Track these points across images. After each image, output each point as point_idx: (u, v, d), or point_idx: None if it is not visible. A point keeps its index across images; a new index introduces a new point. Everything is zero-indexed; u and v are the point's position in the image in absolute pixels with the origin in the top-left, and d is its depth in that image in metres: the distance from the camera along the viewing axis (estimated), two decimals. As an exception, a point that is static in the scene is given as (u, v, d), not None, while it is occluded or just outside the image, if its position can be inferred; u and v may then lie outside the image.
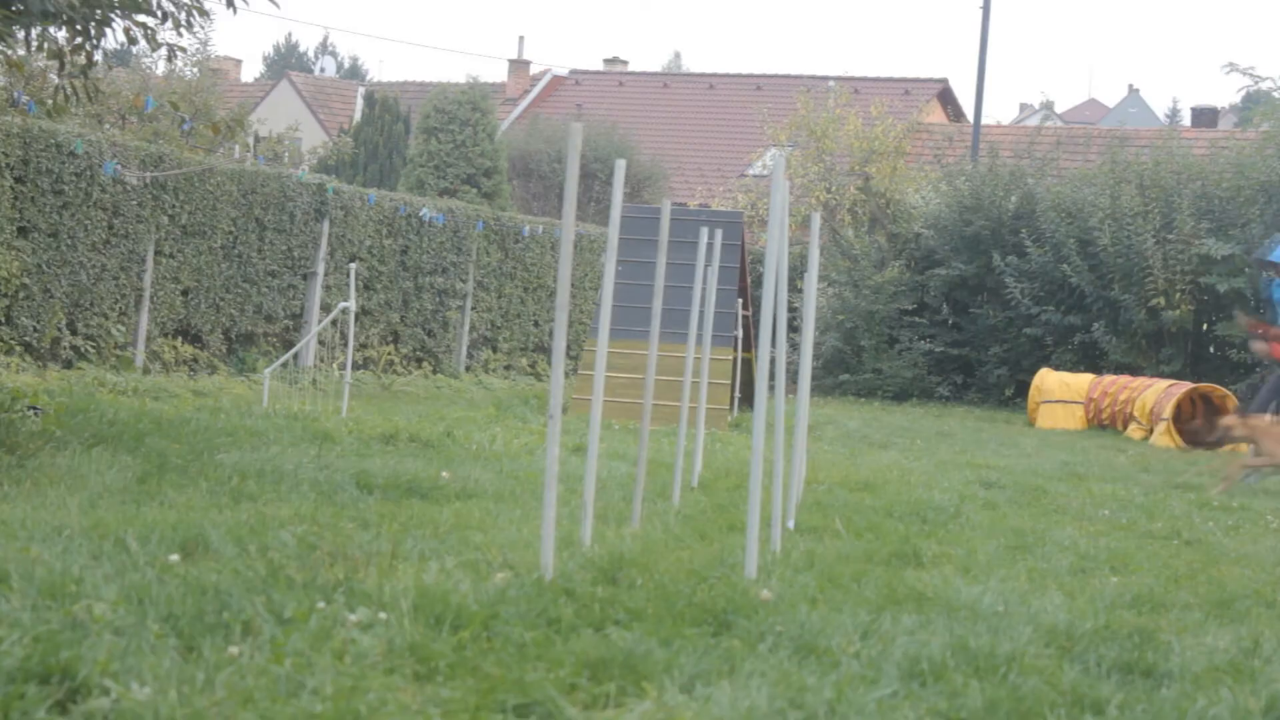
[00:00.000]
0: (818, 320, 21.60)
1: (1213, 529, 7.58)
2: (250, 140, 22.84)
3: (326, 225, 16.46)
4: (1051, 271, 20.68)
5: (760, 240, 23.28)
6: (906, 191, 24.18)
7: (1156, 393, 15.89)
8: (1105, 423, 16.83)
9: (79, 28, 7.59)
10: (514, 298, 19.98)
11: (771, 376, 5.65)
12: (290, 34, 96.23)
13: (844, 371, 22.15)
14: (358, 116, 34.46)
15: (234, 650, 3.60)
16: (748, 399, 14.81)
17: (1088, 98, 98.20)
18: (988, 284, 21.81)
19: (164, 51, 8.67)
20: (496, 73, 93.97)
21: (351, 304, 11.48)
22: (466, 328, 19.16)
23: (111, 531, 4.89)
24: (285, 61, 77.66)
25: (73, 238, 13.34)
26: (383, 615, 3.98)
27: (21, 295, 12.95)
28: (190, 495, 6.06)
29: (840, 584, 5.07)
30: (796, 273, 20.65)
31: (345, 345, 11.74)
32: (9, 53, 8.22)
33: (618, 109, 37.70)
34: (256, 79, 58.07)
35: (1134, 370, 19.50)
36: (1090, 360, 20.27)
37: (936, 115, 38.16)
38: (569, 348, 19.13)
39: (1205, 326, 20.49)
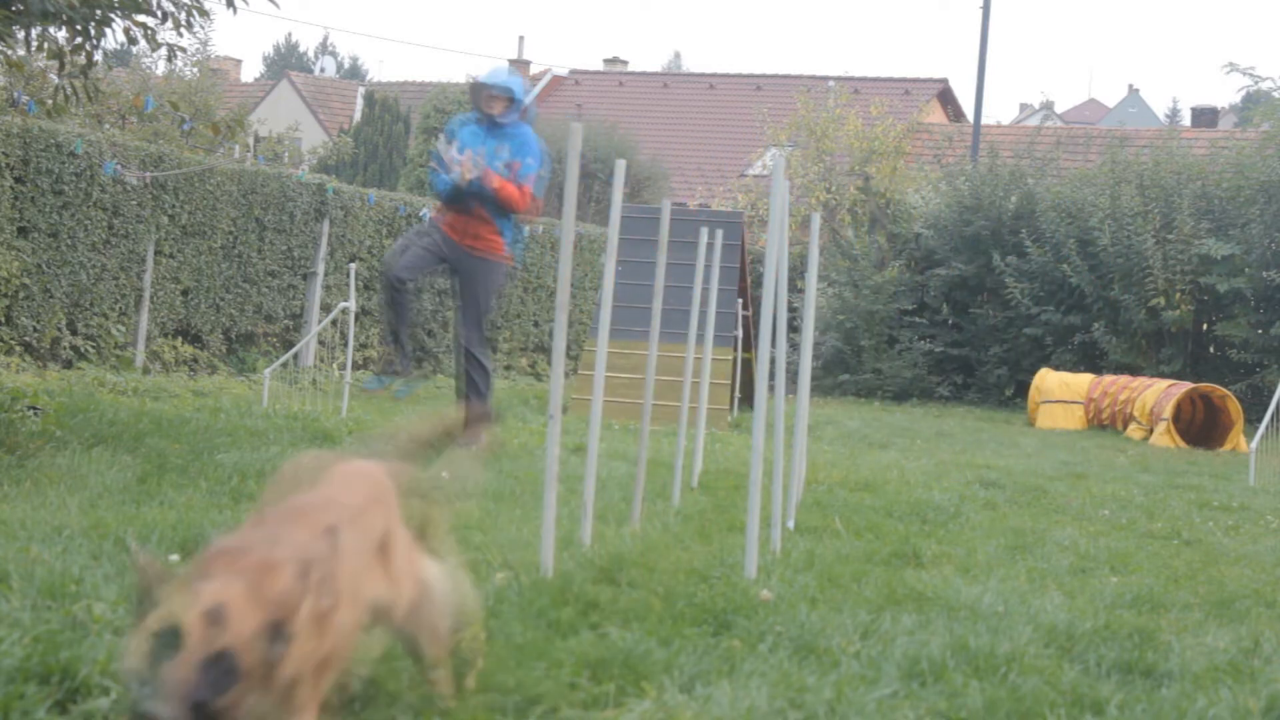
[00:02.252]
0: (818, 320, 21.62)
1: (1213, 529, 7.58)
2: (250, 140, 22.86)
3: (326, 225, 16.46)
4: (1051, 271, 20.70)
5: (760, 240, 23.28)
6: (906, 191, 24.20)
7: (1156, 393, 15.90)
8: (1105, 423, 16.84)
9: (79, 28, 7.59)
10: (514, 298, 19.97)
11: (771, 376, 5.65)
12: (290, 34, 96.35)
13: (844, 371, 22.17)
14: (358, 116, 34.49)
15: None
16: (748, 399, 14.81)
17: (1088, 98, 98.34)
18: (988, 284, 21.83)
19: (164, 51, 8.69)
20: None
21: (351, 304, 11.48)
22: (466, 328, 19.15)
23: (111, 531, 4.89)
24: (285, 61, 77.68)
25: (73, 238, 13.34)
26: (383, 615, 3.98)
27: (21, 295, 12.94)
28: (190, 495, 6.05)
29: (840, 584, 5.07)
30: (796, 273, 20.66)
31: (345, 345, 11.73)
32: (9, 53, 8.22)
33: (618, 109, 37.70)
34: (256, 79, 58.10)
35: (1134, 370, 19.51)
36: (1090, 360, 20.28)
37: (936, 115, 38.17)
38: (569, 348, 19.13)
39: (1205, 326, 20.51)
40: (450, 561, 3.47)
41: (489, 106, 8.96)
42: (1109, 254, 19.93)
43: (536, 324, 20.42)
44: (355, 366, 16.73)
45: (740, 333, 14.66)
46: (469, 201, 8.98)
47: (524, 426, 10.98)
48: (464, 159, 8.87)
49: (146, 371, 14.13)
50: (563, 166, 5.18)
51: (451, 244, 9.13)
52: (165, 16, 7.82)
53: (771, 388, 5.76)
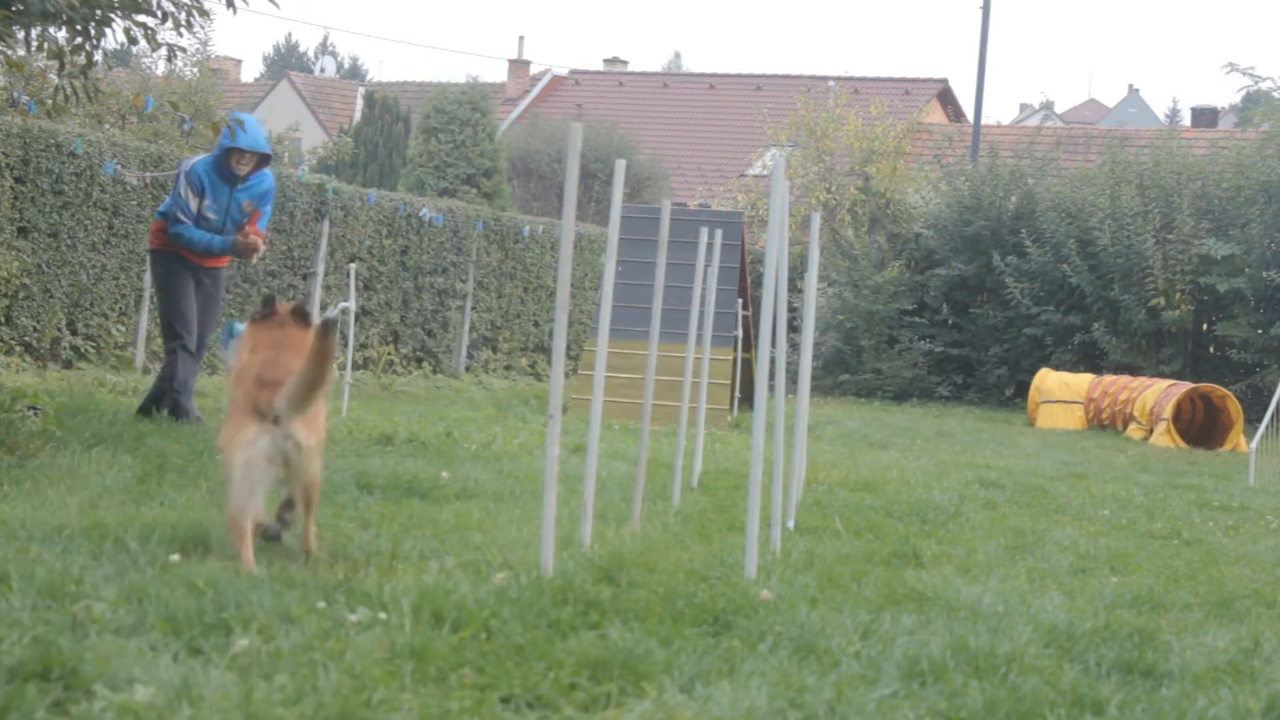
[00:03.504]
0: (818, 320, 21.62)
1: (1212, 529, 7.59)
2: (250, 140, 22.78)
3: (326, 225, 16.47)
4: (1051, 271, 20.70)
5: (760, 240, 23.28)
6: (906, 191, 24.20)
7: (1156, 393, 15.90)
8: (1105, 423, 16.84)
9: (79, 28, 7.58)
10: (514, 298, 19.98)
11: (771, 377, 5.65)
12: (290, 34, 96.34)
13: (844, 371, 22.17)
14: (358, 116, 34.49)
15: (234, 651, 3.60)
16: (748, 399, 14.81)
17: (1088, 98, 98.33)
18: (987, 284, 21.83)
19: (164, 51, 8.66)
20: (496, 73, 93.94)
21: (351, 304, 11.47)
22: (466, 328, 19.16)
23: (111, 532, 4.89)
24: (285, 61, 77.66)
25: (73, 238, 13.34)
26: (383, 616, 3.98)
27: (21, 295, 12.95)
28: (190, 495, 6.05)
29: (840, 584, 5.06)
30: (796, 273, 20.66)
31: (345, 345, 11.73)
32: (9, 53, 8.21)
33: (617, 109, 37.71)
34: (256, 79, 58.07)
35: (1134, 370, 19.52)
36: (1090, 360, 20.29)
37: (936, 115, 38.17)
38: (569, 348, 19.13)
39: (1205, 326, 20.52)
40: None
41: (239, 167, 8.88)
42: (1109, 254, 19.93)
43: (536, 324, 20.43)
44: (355, 367, 16.72)
45: (740, 333, 14.66)
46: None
47: (524, 426, 10.97)
48: (259, 241, 9.16)
49: (146, 371, 14.13)
50: (563, 167, 5.17)
51: (194, 266, 9.24)
52: (165, 16, 7.82)
53: (771, 388, 5.76)
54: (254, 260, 9.43)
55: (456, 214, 18.86)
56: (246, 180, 8.98)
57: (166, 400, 9.07)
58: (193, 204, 8.89)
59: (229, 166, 8.83)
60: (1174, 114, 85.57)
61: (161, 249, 9.13)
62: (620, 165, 5.68)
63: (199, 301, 9.24)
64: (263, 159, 8.97)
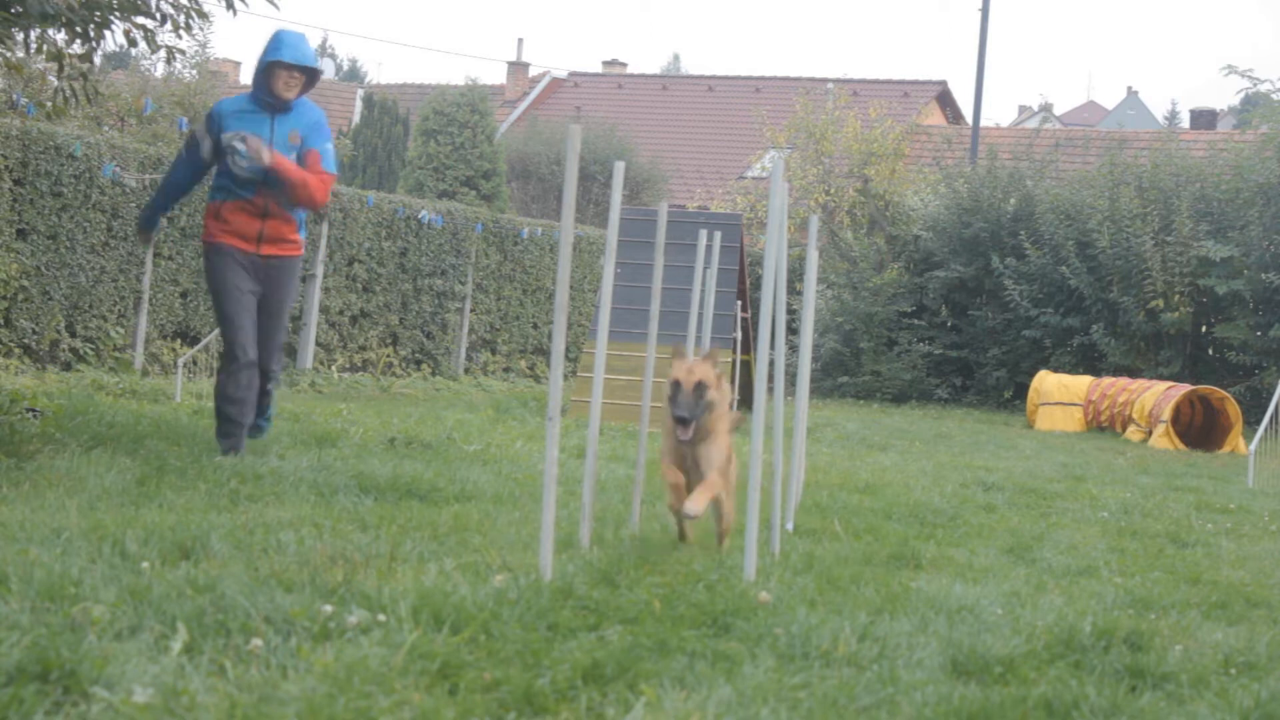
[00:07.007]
0: (817, 322, 21.63)
1: (1211, 531, 7.59)
2: (249, 142, 22.81)
3: (325, 227, 16.46)
4: (1050, 273, 20.71)
5: (759, 242, 23.28)
6: (905, 194, 24.22)
7: (1155, 395, 15.90)
8: (1104, 425, 16.84)
9: (78, 30, 7.59)
10: (513, 300, 19.98)
11: (770, 379, 5.65)
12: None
13: (843, 374, 22.18)
14: (356, 118, 34.46)
15: (232, 652, 3.60)
16: (746, 401, 14.81)
17: (1086, 100, 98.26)
18: (986, 286, 21.84)
19: (163, 54, 8.69)
20: (495, 75, 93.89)
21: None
22: (465, 330, 19.16)
23: (110, 533, 4.89)
24: (284, 64, 77.60)
25: (72, 240, 13.34)
26: (381, 617, 3.98)
27: (20, 297, 12.94)
28: (189, 498, 6.05)
29: (839, 586, 5.07)
30: (795, 275, 20.67)
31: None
32: (8, 55, 8.22)
33: (616, 111, 37.71)
34: (255, 81, 57.96)
35: (1133, 372, 19.53)
36: (1089, 362, 20.30)
37: (935, 117, 38.18)
38: (568, 350, 19.13)
39: (1204, 328, 20.53)
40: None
41: (286, 90, 7.35)
42: (1108, 256, 19.95)
43: (535, 326, 20.42)
44: (354, 369, 16.72)
45: (739, 335, 14.66)
46: (262, 201, 7.44)
47: (523, 429, 10.97)
48: (254, 143, 7.26)
49: (145, 374, 14.13)
50: (562, 168, 5.16)
51: (249, 258, 7.50)
52: (164, 19, 7.82)
53: (770, 390, 5.76)
54: (265, 161, 7.27)
55: (455, 216, 18.86)
56: (290, 108, 7.44)
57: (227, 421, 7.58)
58: (205, 147, 7.45)
59: (273, 92, 7.32)
60: (1173, 116, 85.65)
61: (207, 239, 7.57)
62: (619, 167, 5.69)
63: (256, 299, 7.61)
64: (311, 77, 7.43)
